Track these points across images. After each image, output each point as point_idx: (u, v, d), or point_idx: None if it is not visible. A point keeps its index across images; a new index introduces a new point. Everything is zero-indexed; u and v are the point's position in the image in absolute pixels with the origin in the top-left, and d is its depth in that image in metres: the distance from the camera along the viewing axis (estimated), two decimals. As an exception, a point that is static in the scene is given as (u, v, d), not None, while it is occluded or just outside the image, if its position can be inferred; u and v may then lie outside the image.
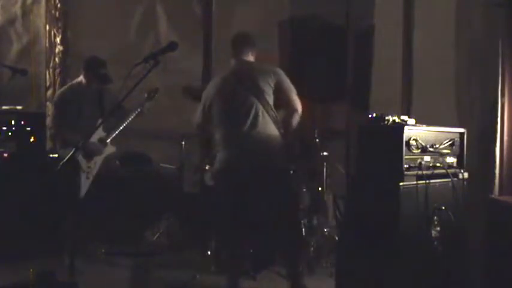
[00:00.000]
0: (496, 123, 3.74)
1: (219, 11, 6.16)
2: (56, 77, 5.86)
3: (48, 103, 5.79)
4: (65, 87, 5.06)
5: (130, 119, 4.84)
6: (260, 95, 3.67)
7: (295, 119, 3.77)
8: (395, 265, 3.10)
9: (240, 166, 3.66)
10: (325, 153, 4.75)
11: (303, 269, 3.86)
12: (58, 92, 5.19)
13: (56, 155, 4.71)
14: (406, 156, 3.15)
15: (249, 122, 3.65)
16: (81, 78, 4.87)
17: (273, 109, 3.72)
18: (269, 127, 3.68)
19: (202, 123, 3.92)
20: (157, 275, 4.30)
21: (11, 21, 5.81)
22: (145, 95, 4.92)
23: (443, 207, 3.24)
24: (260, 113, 3.66)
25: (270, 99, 3.71)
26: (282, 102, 3.75)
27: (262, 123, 3.65)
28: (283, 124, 3.76)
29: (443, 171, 3.30)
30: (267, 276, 4.23)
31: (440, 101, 4.33)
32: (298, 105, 3.75)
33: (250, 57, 3.90)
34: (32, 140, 4.71)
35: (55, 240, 4.52)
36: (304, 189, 4.70)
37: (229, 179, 3.74)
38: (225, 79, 3.82)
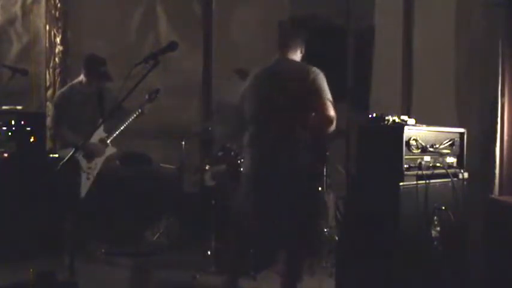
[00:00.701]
0: (496, 123, 3.74)
1: (219, 11, 6.16)
2: (56, 77, 5.86)
3: (48, 103, 5.79)
4: (65, 87, 5.06)
5: (130, 119, 4.84)
6: (289, 97, 3.48)
7: (325, 123, 3.48)
8: (395, 265, 3.10)
9: (270, 169, 3.53)
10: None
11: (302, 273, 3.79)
12: (58, 92, 5.19)
13: (56, 155, 4.71)
14: (406, 156, 3.15)
15: (275, 125, 3.51)
16: (81, 77, 4.87)
17: (302, 111, 3.51)
18: (299, 131, 3.51)
19: (236, 122, 3.78)
20: (157, 275, 4.30)
21: (11, 21, 5.81)
22: (147, 96, 4.92)
23: (443, 207, 3.24)
24: (290, 117, 3.48)
25: (300, 101, 3.48)
26: (313, 104, 3.49)
27: (292, 127, 3.50)
28: (311, 127, 3.54)
29: (443, 171, 3.30)
30: (267, 276, 4.24)
31: (440, 101, 4.33)
32: (330, 110, 3.44)
33: (298, 55, 3.69)
34: (32, 140, 4.71)
35: (55, 240, 4.51)
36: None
37: (256, 182, 3.61)
38: (258, 78, 3.65)
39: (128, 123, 4.85)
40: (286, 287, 3.63)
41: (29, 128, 4.71)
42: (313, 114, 3.51)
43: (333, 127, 3.50)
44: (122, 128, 4.83)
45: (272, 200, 3.54)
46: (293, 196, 3.52)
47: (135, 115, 4.86)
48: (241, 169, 4.01)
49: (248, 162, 3.69)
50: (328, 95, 3.48)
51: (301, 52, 3.73)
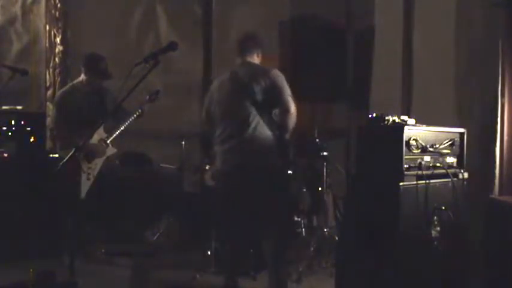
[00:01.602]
0: (496, 123, 3.74)
1: (219, 11, 6.16)
2: (56, 77, 5.85)
3: (48, 103, 5.78)
4: (66, 87, 5.06)
5: (130, 120, 4.84)
6: (253, 97, 3.67)
7: (288, 120, 3.71)
8: (395, 265, 3.10)
9: (235, 167, 3.69)
10: (325, 153, 4.74)
11: (284, 277, 3.83)
12: (59, 92, 5.18)
13: (56, 155, 4.71)
14: (406, 156, 3.15)
15: (242, 124, 3.66)
16: (81, 77, 4.87)
17: (268, 111, 3.72)
18: (262, 129, 3.68)
19: (206, 123, 3.96)
20: (157, 275, 4.29)
21: (11, 21, 5.81)
22: (147, 97, 4.92)
23: (443, 207, 3.24)
24: (252, 116, 3.66)
25: (264, 101, 3.70)
26: (275, 102, 3.73)
27: (254, 125, 3.66)
28: (278, 125, 3.75)
29: (443, 171, 3.30)
30: (267, 276, 4.23)
31: (440, 101, 4.33)
32: (291, 106, 3.69)
33: (255, 59, 3.89)
34: (32, 140, 4.71)
35: (55, 240, 4.51)
36: (304, 190, 4.70)
37: (226, 180, 3.78)
38: (223, 82, 3.85)
39: (128, 124, 4.84)
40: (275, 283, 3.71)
41: (29, 128, 4.72)
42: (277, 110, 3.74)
43: (294, 121, 3.73)
44: (122, 128, 4.83)
45: (242, 197, 3.69)
46: (261, 191, 3.66)
47: (135, 115, 4.85)
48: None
49: (218, 161, 3.81)
50: (287, 90, 3.70)
51: (257, 56, 3.90)
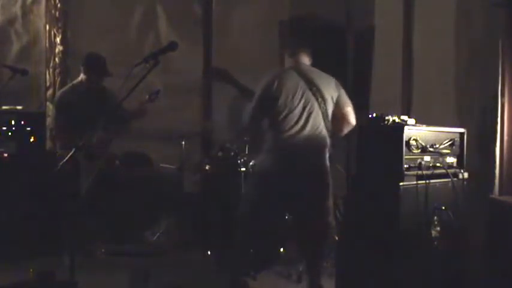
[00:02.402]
0: (496, 123, 3.74)
1: (219, 11, 6.16)
2: (56, 77, 5.85)
3: (48, 103, 5.78)
4: (66, 87, 5.06)
5: (130, 120, 4.84)
6: (323, 105, 3.68)
7: (346, 131, 3.83)
8: (395, 265, 3.10)
9: (293, 168, 3.62)
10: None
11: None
12: (59, 92, 5.18)
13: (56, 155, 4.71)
14: (406, 156, 3.15)
15: (308, 127, 3.64)
16: (81, 76, 4.87)
17: (330, 120, 3.74)
18: (324, 137, 3.70)
19: (256, 118, 3.77)
20: (157, 275, 4.29)
21: (11, 21, 5.80)
22: (147, 97, 4.92)
23: (443, 207, 3.24)
24: (320, 122, 3.67)
25: (330, 111, 3.73)
26: (338, 114, 3.78)
27: (319, 132, 3.67)
28: (334, 133, 3.80)
29: (443, 171, 3.30)
30: (267, 276, 4.24)
31: (440, 101, 4.33)
32: (354, 120, 3.78)
33: (308, 60, 3.86)
34: (32, 140, 4.71)
35: (55, 240, 4.51)
36: None
37: (278, 177, 3.65)
38: (290, 78, 3.70)
39: (128, 124, 4.85)
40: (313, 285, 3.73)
41: (29, 128, 4.71)
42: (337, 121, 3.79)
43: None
44: (122, 129, 4.83)
45: (299, 194, 3.64)
46: (321, 195, 3.67)
47: (135, 116, 4.85)
48: (255, 163, 4.11)
49: (274, 156, 3.69)
50: (350, 103, 3.80)
51: (309, 58, 3.86)
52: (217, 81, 4.58)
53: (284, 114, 3.63)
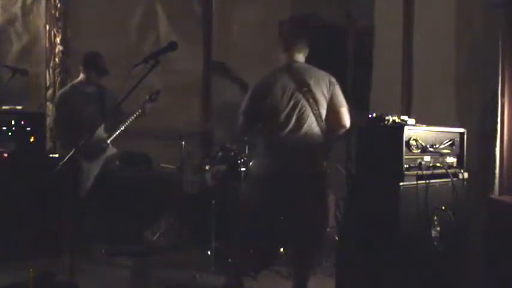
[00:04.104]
0: (496, 123, 3.74)
1: (219, 10, 6.16)
2: (56, 77, 5.85)
3: (48, 103, 5.78)
4: (66, 87, 5.06)
5: (131, 120, 4.84)
6: (314, 106, 3.60)
7: (341, 133, 3.73)
8: (395, 265, 3.10)
9: (284, 171, 3.58)
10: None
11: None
12: (59, 92, 5.18)
13: (56, 155, 4.71)
14: (406, 156, 3.15)
15: (299, 129, 3.58)
16: (81, 76, 4.87)
17: (323, 120, 3.65)
18: (317, 138, 3.62)
19: (249, 120, 3.73)
20: (157, 275, 4.30)
21: (11, 21, 5.80)
22: (147, 97, 4.92)
23: (443, 207, 3.24)
24: (312, 123, 3.59)
25: (323, 111, 3.63)
26: (332, 115, 3.66)
27: (311, 133, 3.59)
28: (327, 134, 3.69)
29: (443, 171, 3.30)
30: (267, 276, 4.24)
31: (440, 101, 4.33)
32: (348, 122, 3.67)
33: (302, 57, 3.77)
34: (32, 140, 4.71)
35: (55, 240, 4.51)
36: None
37: (270, 182, 3.63)
38: (280, 78, 3.65)
39: (128, 124, 4.84)
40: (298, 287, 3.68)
41: (29, 128, 4.71)
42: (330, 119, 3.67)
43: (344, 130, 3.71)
44: (122, 128, 4.83)
45: (291, 200, 3.60)
46: (312, 197, 3.61)
47: (135, 115, 4.86)
48: (250, 168, 4.05)
49: (265, 161, 3.68)
50: (345, 104, 3.67)
51: (304, 54, 3.78)
52: (219, 76, 4.57)
53: (274, 116, 3.59)
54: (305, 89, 3.59)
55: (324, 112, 3.64)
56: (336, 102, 3.65)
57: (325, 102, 3.64)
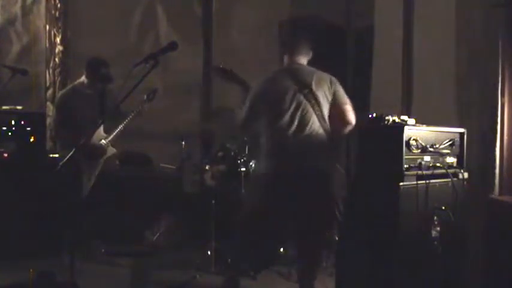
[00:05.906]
0: (496, 123, 3.74)
1: (219, 11, 6.17)
2: (56, 77, 5.86)
3: (48, 103, 5.79)
4: (67, 88, 5.06)
5: (128, 119, 4.84)
6: (317, 107, 3.59)
7: (347, 131, 3.70)
8: (395, 265, 3.10)
9: (289, 171, 3.56)
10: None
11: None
12: (60, 93, 5.18)
13: (56, 155, 4.71)
14: (406, 156, 3.15)
15: (302, 130, 3.56)
16: (83, 78, 4.87)
17: (327, 121, 3.64)
18: (321, 138, 3.60)
19: (249, 122, 3.74)
20: (157, 275, 4.29)
21: (11, 21, 5.80)
22: (145, 97, 4.92)
23: (443, 207, 3.24)
24: (315, 124, 3.58)
25: (326, 112, 3.63)
26: (336, 114, 3.65)
27: (315, 133, 3.57)
28: (334, 134, 3.67)
29: (443, 171, 3.30)
30: (267, 276, 4.24)
31: (440, 101, 4.33)
32: (353, 118, 3.66)
33: (304, 60, 3.77)
34: (32, 140, 4.71)
35: (55, 240, 4.51)
36: None
37: (274, 183, 3.61)
38: (281, 80, 3.65)
39: (127, 123, 4.84)
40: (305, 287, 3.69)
41: (29, 128, 4.71)
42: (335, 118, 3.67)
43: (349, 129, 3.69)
44: (121, 128, 4.83)
45: (298, 201, 3.58)
46: (320, 197, 3.60)
47: (133, 115, 4.86)
48: (254, 168, 4.09)
49: (270, 162, 3.66)
50: (348, 102, 3.66)
51: (307, 57, 3.78)
52: (221, 79, 4.57)
53: (275, 117, 3.59)
54: (307, 90, 3.59)
55: (326, 113, 3.64)
56: (339, 100, 3.65)
57: (327, 103, 3.64)
